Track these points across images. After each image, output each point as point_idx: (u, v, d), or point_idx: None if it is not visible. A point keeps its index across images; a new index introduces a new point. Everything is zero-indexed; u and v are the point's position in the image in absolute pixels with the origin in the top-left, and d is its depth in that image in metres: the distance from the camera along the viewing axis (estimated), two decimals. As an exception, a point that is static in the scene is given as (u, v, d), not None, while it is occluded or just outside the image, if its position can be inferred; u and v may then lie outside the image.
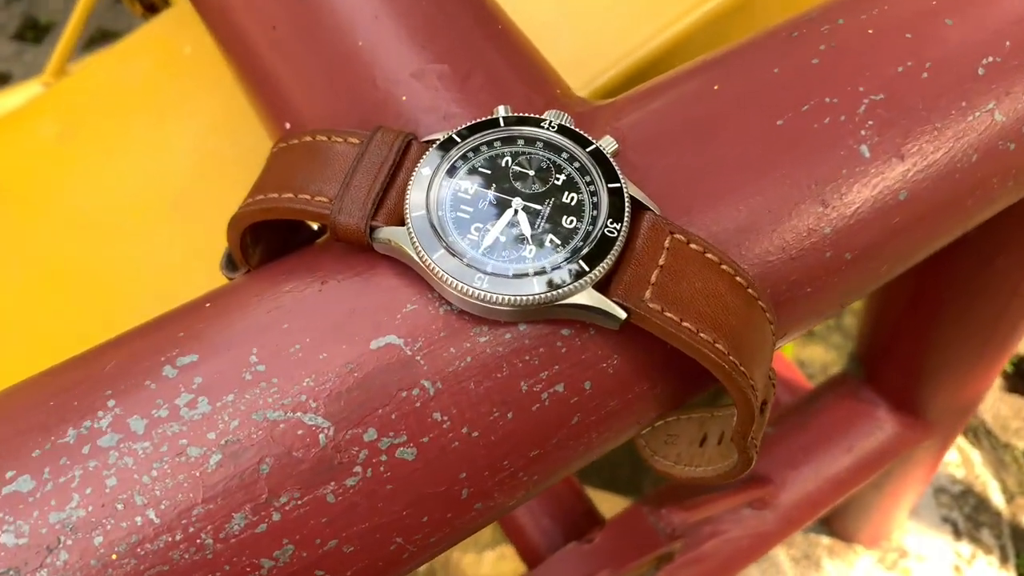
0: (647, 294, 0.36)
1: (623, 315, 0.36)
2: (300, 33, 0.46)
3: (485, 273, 0.35)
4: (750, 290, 0.39)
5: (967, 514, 1.55)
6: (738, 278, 0.38)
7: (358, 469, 0.35)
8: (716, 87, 0.43)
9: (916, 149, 0.43)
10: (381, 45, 0.45)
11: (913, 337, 0.88)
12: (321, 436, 0.35)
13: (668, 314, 0.36)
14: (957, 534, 1.53)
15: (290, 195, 0.39)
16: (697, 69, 0.45)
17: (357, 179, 0.38)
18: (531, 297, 0.35)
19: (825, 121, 0.42)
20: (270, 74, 0.48)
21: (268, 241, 0.44)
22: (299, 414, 0.35)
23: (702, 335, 0.37)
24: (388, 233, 0.37)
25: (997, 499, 1.56)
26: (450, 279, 0.35)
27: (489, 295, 0.35)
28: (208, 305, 0.39)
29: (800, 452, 0.95)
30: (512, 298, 0.35)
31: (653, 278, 0.37)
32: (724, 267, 0.38)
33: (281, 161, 0.42)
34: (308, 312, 0.37)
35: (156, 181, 0.93)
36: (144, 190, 0.92)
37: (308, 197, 0.39)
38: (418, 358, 0.36)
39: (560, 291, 0.35)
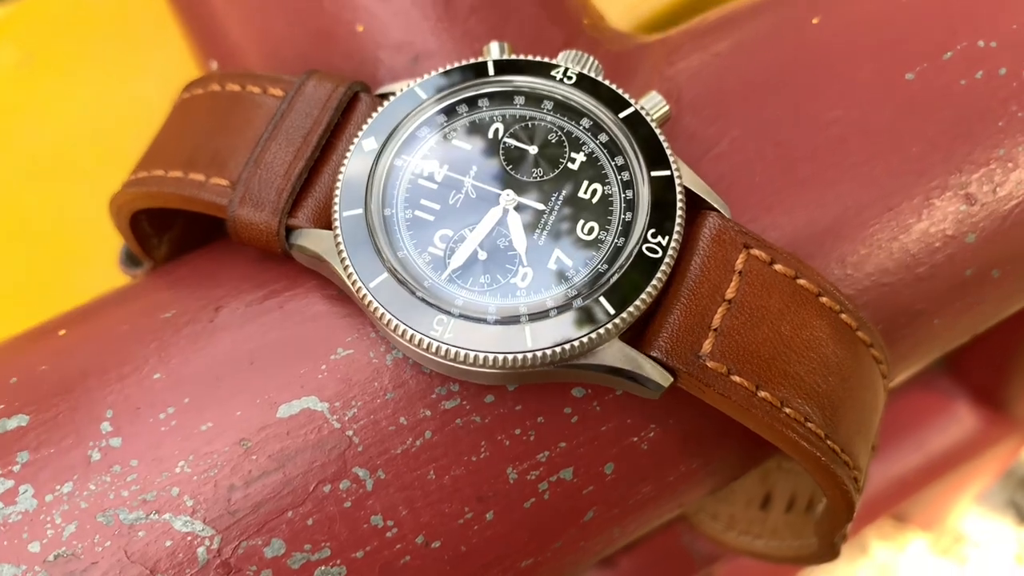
0: (706, 347, 0.23)
1: (667, 381, 0.23)
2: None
3: (450, 314, 0.23)
4: (860, 333, 0.26)
5: (1033, 498, 1.42)
6: (844, 316, 0.25)
7: (256, 599, 0.23)
8: (815, 20, 0.30)
9: (1110, 118, 0.29)
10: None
11: (1008, 322, 0.74)
12: (200, 550, 0.23)
13: (737, 379, 0.23)
14: (1022, 519, 1.41)
15: (178, 174, 0.27)
16: (784, -7, 0.31)
17: (274, 150, 0.26)
18: (522, 357, 0.22)
19: (976, 75, 0.28)
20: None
21: (181, 227, 0.32)
22: (168, 516, 0.23)
23: (787, 411, 0.24)
24: (310, 240, 0.24)
25: (1068, 483, 1.42)
26: (394, 322, 0.22)
27: (455, 350, 0.22)
28: (62, 333, 0.27)
29: (862, 449, 0.82)
30: (491, 356, 0.22)
31: (716, 321, 0.24)
32: (824, 300, 0.25)
33: (179, 119, 0.29)
34: (191, 355, 0.25)
35: (124, 116, 0.81)
36: (111, 126, 0.81)
37: (201, 178, 0.26)
38: (350, 433, 0.24)
39: (569, 347, 0.22)
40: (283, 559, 0.23)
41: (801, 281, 0.25)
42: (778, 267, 0.25)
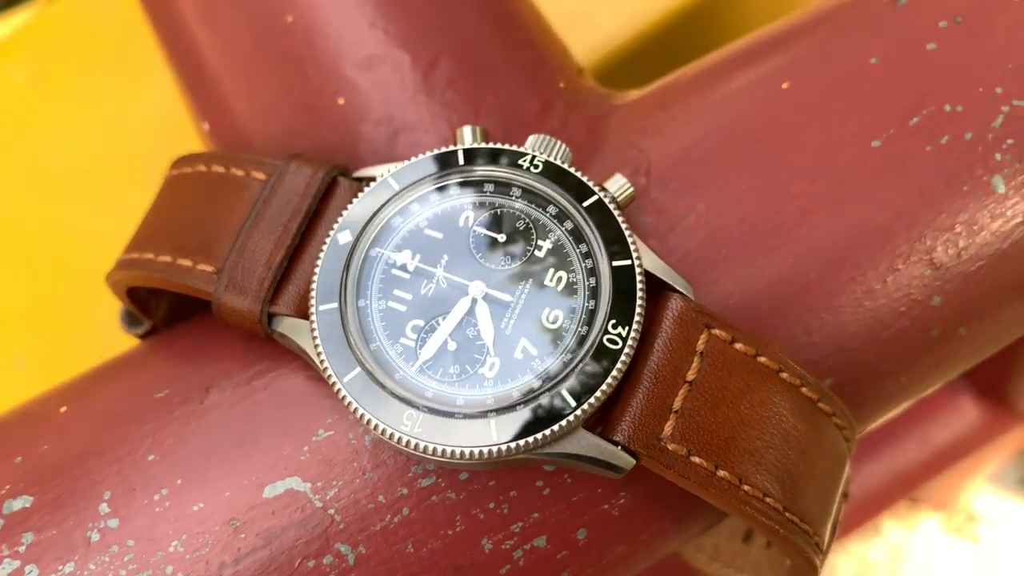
0: (666, 430, 0.25)
1: (629, 464, 0.25)
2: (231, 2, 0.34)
3: (419, 408, 0.24)
4: (822, 404, 0.27)
5: (1047, 477, 1.42)
6: (805, 390, 0.26)
7: (248, 669, 0.25)
8: (785, 85, 0.30)
9: (1076, 178, 0.30)
10: (318, 20, 0.32)
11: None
12: (195, 624, 0.25)
13: (696, 460, 0.25)
14: (1034, 498, 1.41)
15: (167, 259, 0.28)
16: (755, 54, 0.31)
17: (256, 238, 0.27)
18: (487, 450, 0.23)
19: (942, 140, 0.29)
20: (193, 52, 0.36)
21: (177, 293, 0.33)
22: (163, 593, 0.25)
23: (745, 488, 0.25)
24: (289, 329, 0.26)
25: (1082, 461, 1.42)
26: (366, 416, 0.24)
27: (424, 444, 0.23)
28: (63, 410, 0.28)
29: (864, 444, 0.83)
30: (459, 450, 0.23)
31: (677, 403, 0.25)
32: (785, 375, 0.26)
33: (169, 199, 0.30)
34: (183, 437, 0.26)
35: (133, 133, 0.82)
36: (120, 143, 0.82)
37: (189, 264, 0.27)
38: (332, 511, 0.26)
39: (532, 440, 0.23)
40: (272, 630, 0.25)
41: (761, 359, 0.26)
42: (739, 346, 0.26)
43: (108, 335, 0.39)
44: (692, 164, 0.29)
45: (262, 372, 0.27)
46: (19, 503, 0.26)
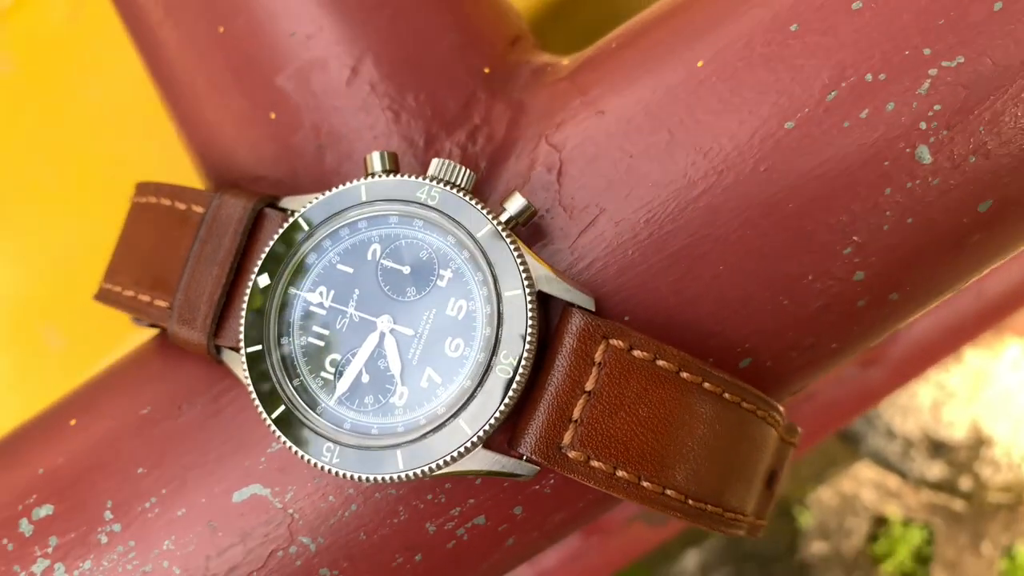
0: (566, 439, 0.27)
1: (532, 471, 0.27)
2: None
3: (338, 441, 0.27)
4: (727, 395, 0.28)
5: None
6: (707, 384, 0.28)
7: (240, 636, 0.30)
8: (700, 64, 0.30)
9: (1012, 137, 0.28)
10: (247, 30, 0.33)
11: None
12: (192, 604, 0.30)
13: (595, 464, 0.27)
14: None
15: (131, 293, 0.31)
16: (675, 20, 0.30)
17: (198, 276, 0.30)
18: (396, 476, 0.26)
19: (862, 115, 0.28)
20: (155, 55, 0.37)
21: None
22: (163, 582, 0.30)
23: (645, 484, 0.27)
24: (231, 361, 0.29)
25: None
26: (293, 448, 0.27)
27: (343, 472, 0.27)
28: (72, 423, 0.33)
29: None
30: (372, 477, 0.26)
31: (576, 413, 0.27)
32: (685, 375, 0.28)
33: (133, 228, 0.33)
34: (163, 451, 0.31)
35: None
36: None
37: (147, 299, 0.31)
38: (291, 511, 0.30)
39: (435, 465, 0.26)
40: (255, 606, 0.30)
41: (660, 362, 0.27)
42: (637, 353, 0.27)
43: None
44: (602, 162, 0.29)
45: (225, 390, 0.31)
46: (44, 511, 0.31)
